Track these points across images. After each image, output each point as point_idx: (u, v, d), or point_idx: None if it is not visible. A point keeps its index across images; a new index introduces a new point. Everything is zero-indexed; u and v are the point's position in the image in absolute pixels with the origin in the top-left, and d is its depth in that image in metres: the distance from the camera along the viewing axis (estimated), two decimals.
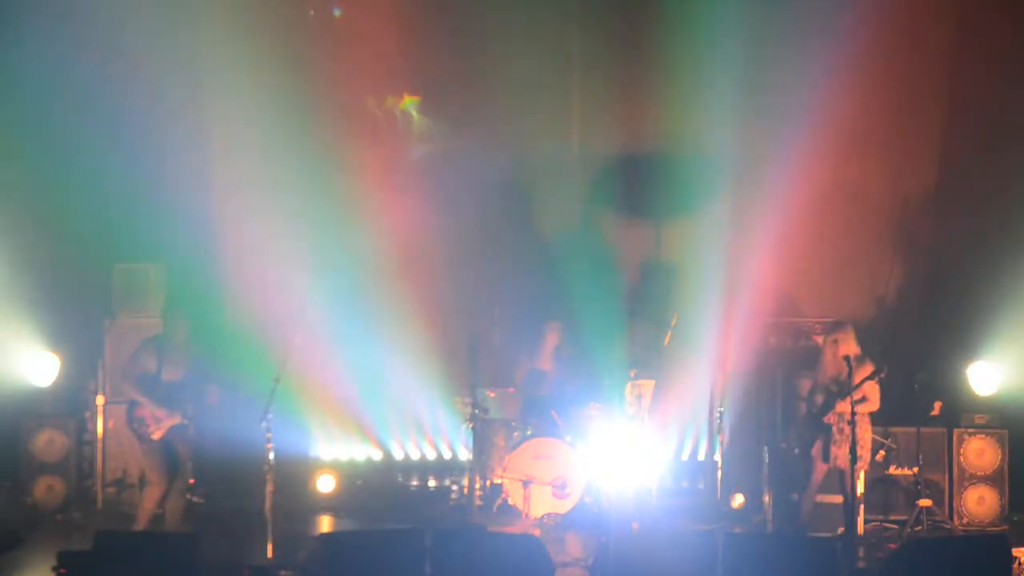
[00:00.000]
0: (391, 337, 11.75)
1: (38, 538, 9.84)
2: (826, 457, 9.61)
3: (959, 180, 11.57)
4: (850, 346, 9.62)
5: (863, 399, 9.55)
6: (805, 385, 10.17)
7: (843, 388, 9.47)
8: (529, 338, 11.13)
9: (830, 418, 9.57)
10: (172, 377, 9.25)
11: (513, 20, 11.94)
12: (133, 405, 9.24)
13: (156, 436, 9.19)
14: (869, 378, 9.47)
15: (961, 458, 10.47)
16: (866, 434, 9.62)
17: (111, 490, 11.02)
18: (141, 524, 9.22)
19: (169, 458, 9.27)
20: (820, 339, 10.27)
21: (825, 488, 10.00)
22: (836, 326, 9.86)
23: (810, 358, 10.52)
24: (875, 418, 10.29)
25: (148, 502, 9.27)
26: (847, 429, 9.44)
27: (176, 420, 9.22)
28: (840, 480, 9.67)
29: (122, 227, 11.24)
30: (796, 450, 9.79)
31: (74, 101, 11.17)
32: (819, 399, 9.69)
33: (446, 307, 12.04)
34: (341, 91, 11.94)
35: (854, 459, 9.39)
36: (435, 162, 12.35)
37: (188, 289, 11.57)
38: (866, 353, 9.70)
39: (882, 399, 9.67)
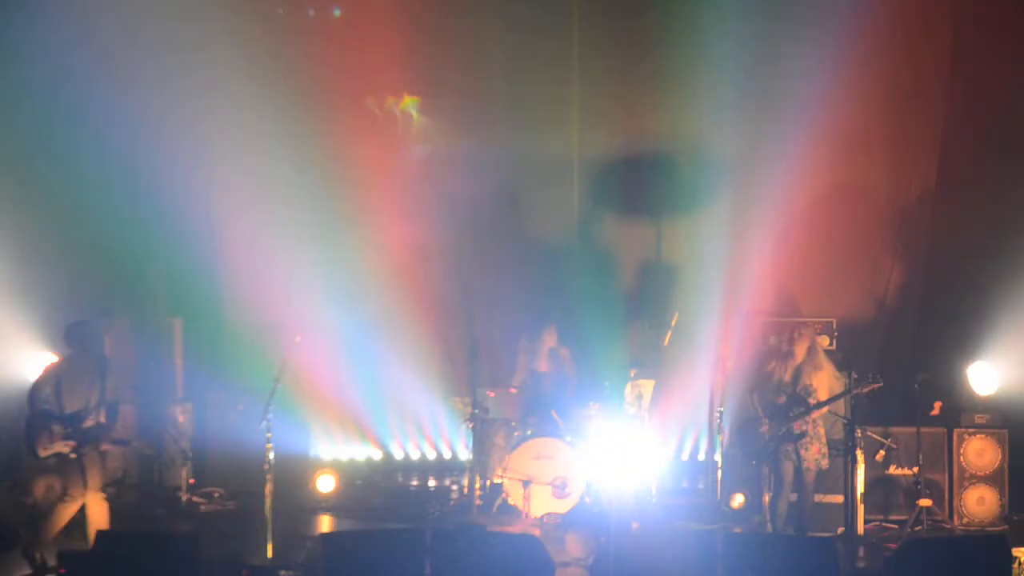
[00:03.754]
0: (391, 337, 11.76)
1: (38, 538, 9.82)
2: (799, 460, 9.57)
3: (959, 181, 11.56)
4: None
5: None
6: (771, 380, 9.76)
7: (809, 393, 9.51)
8: (526, 339, 11.13)
9: (802, 425, 9.52)
10: (72, 406, 8.91)
11: (513, 20, 11.94)
12: (31, 421, 8.92)
13: (42, 454, 8.85)
14: (871, 392, 9.42)
15: (961, 458, 10.47)
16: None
17: (111, 490, 11.02)
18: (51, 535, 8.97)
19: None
20: (792, 342, 9.94)
21: (824, 488, 9.99)
22: (802, 334, 9.72)
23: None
24: (875, 418, 10.32)
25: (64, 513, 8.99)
26: (819, 431, 9.52)
27: (65, 448, 8.87)
28: (803, 479, 9.62)
29: (122, 227, 11.26)
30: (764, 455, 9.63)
31: (74, 101, 11.17)
32: (796, 408, 9.52)
33: (446, 307, 12.05)
34: (341, 91, 11.93)
35: (854, 460, 9.37)
36: (435, 163, 12.35)
37: (188, 289, 11.61)
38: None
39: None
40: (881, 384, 9.38)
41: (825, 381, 9.62)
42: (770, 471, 9.68)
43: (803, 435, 9.48)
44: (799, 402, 9.53)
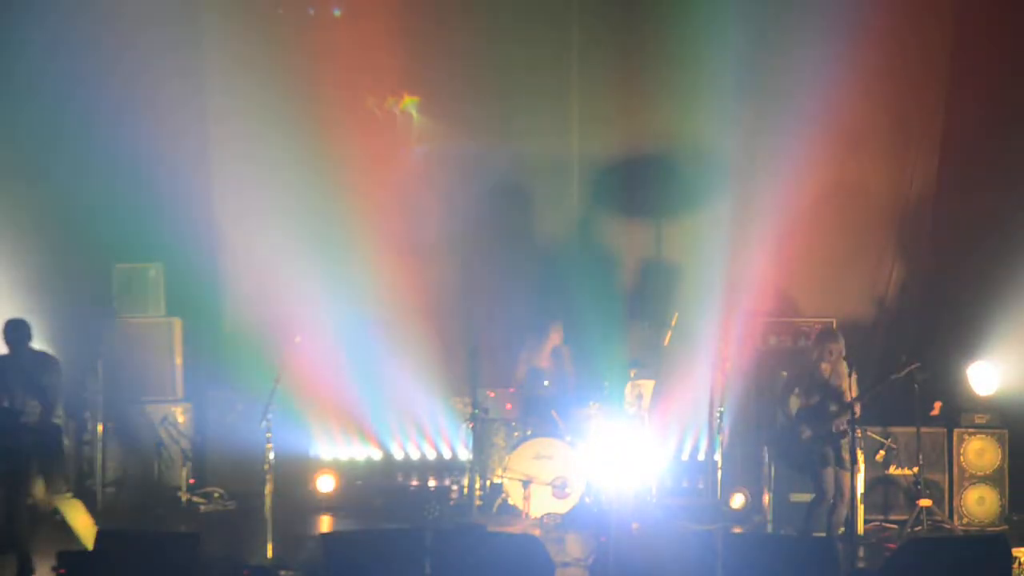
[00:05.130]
0: (391, 337, 11.76)
1: (38, 538, 9.81)
2: (842, 462, 9.43)
3: (959, 180, 11.56)
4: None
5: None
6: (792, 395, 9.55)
7: (842, 391, 9.42)
8: (530, 336, 11.13)
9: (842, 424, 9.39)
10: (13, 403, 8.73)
11: (512, 20, 11.94)
12: None
13: None
14: (909, 373, 9.34)
15: (961, 458, 10.47)
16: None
17: (111, 490, 11.03)
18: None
19: None
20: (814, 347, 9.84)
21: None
22: (831, 335, 9.54)
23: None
24: (875, 418, 10.30)
25: None
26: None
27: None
28: (844, 482, 9.49)
29: (122, 227, 11.26)
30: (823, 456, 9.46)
31: (74, 100, 11.17)
32: (832, 407, 9.38)
33: (446, 307, 12.04)
34: (341, 91, 11.93)
35: (854, 460, 9.34)
36: (435, 162, 12.34)
37: (188, 289, 11.61)
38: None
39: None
40: (918, 364, 9.32)
41: (846, 380, 9.49)
42: (812, 479, 9.35)
43: (845, 434, 9.33)
44: (836, 399, 9.30)
